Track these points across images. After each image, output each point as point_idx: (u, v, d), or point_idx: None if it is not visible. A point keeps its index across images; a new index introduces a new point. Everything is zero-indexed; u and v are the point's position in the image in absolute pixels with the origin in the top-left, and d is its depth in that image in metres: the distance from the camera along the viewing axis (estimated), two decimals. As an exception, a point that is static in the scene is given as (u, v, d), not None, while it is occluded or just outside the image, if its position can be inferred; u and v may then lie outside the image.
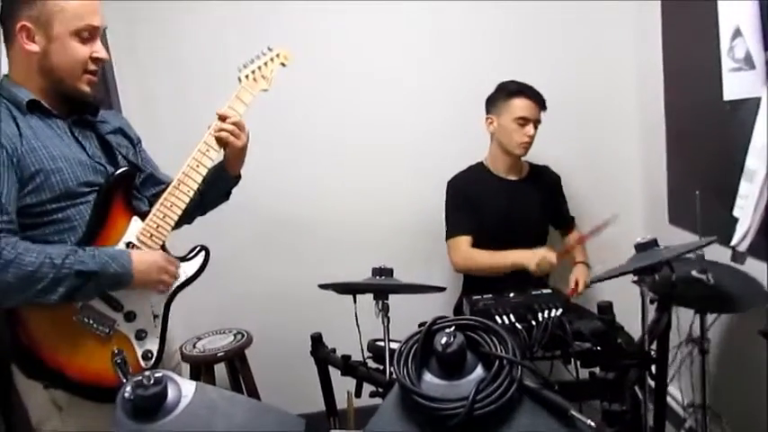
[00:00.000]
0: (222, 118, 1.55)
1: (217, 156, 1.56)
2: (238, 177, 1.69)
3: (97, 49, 1.39)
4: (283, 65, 1.65)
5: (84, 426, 1.37)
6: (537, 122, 2.24)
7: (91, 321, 1.36)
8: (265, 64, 1.62)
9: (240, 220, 2.54)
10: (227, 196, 1.73)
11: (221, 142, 1.55)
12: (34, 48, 1.33)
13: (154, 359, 1.45)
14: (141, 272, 1.38)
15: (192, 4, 2.44)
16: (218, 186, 1.67)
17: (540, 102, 2.23)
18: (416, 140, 2.59)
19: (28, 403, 1.42)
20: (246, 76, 1.59)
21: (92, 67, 1.40)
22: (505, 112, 2.24)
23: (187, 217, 1.59)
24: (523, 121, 2.21)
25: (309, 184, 2.59)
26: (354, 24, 2.52)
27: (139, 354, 1.43)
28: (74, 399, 1.36)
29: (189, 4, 2.44)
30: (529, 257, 2.10)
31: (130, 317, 1.42)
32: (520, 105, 2.21)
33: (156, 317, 1.47)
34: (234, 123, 1.55)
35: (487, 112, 2.31)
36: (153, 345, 1.45)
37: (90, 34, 1.37)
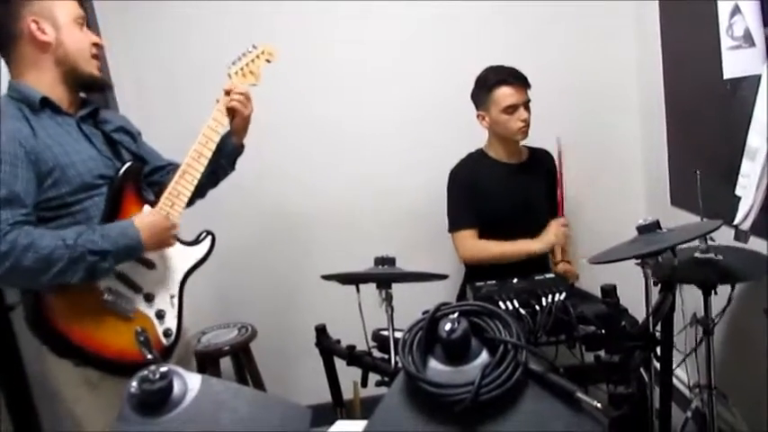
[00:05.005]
0: (228, 92, 1.67)
1: (223, 130, 1.68)
2: (243, 146, 1.78)
3: (92, 36, 1.50)
4: (268, 61, 1.75)
5: (116, 400, 1.40)
6: (526, 104, 2.19)
7: (115, 301, 1.44)
8: (252, 61, 1.72)
9: (242, 213, 2.54)
10: (233, 166, 1.80)
11: (231, 111, 1.67)
12: (48, 38, 1.41)
13: (173, 336, 1.56)
14: (149, 236, 1.45)
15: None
16: (227, 156, 1.75)
17: (521, 82, 2.17)
18: (416, 129, 2.58)
19: (59, 386, 1.48)
20: (236, 73, 1.70)
21: (95, 51, 1.50)
22: (492, 106, 2.19)
23: (200, 192, 1.69)
24: (512, 109, 2.16)
25: (310, 175, 2.59)
26: (351, 15, 2.50)
27: (160, 332, 1.53)
28: (105, 376, 1.43)
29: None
30: (545, 239, 2.16)
31: (150, 298, 1.52)
32: (503, 95, 2.16)
33: (172, 297, 1.57)
34: (241, 93, 1.67)
35: (476, 108, 2.27)
36: (172, 323, 1.56)
37: (83, 21, 1.48)
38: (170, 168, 1.73)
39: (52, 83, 1.44)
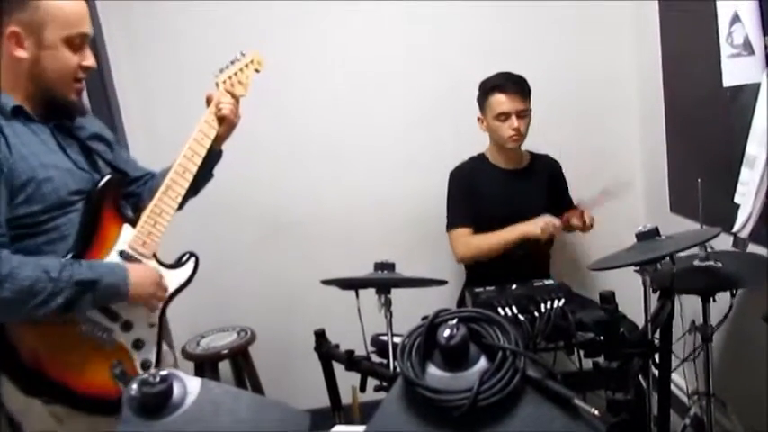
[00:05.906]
0: (209, 101, 1.59)
1: (209, 142, 1.58)
2: (222, 152, 1.70)
3: (86, 57, 1.37)
4: (257, 71, 1.66)
5: None
6: (522, 112, 2.18)
7: (92, 330, 1.35)
8: (240, 70, 1.63)
9: (242, 218, 2.54)
10: (212, 173, 1.72)
11: (221, 119, 1.58)
12: (23, 54, 1.29)
13: (152, 368, 1.44)
14: (137, 284, 1.37)
15: (190, 3, 2.43)
16: (208, 165, 1.65)
17: (519, 91, 2.17)
18: (415, 134, 2.59)
19: (24, 419, 1.38)
20: (224, 82, 1.62)
21: (80, 75, 1.38)
22: (488, 111, 2.21)
23: (179, 205, 1.58)
24: (504, 117, 2.17)
25: (309, 181, 2.59)
26: (349, 22, 2.51)
27: (138, 363, 1.43)
28: (73, 410, 1.34)
29: (186, 3, 2.43)
30: (532, 225, 2.12)
31: (128, 326, 1.41)
32: (497, 102, 2.17)
33: (152, 325, 1.47)
34: (231, 101, 1.59)
35: (480, 111, 2.29)
36: (151, 354, 1.45)
37: (81, 42, 1.35)
38: (147, 179, 1.65)
39: (27, 94, 1.34)
